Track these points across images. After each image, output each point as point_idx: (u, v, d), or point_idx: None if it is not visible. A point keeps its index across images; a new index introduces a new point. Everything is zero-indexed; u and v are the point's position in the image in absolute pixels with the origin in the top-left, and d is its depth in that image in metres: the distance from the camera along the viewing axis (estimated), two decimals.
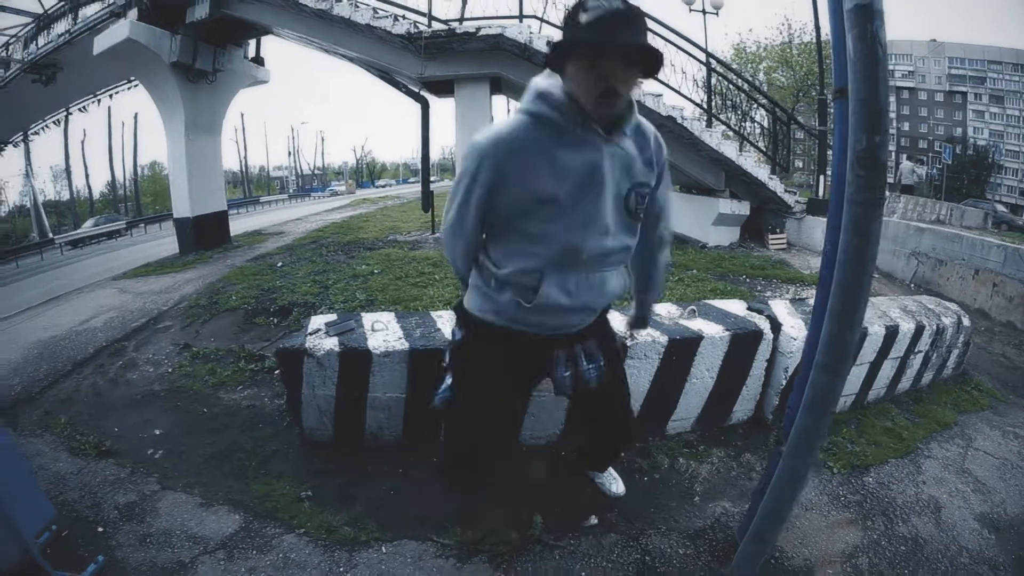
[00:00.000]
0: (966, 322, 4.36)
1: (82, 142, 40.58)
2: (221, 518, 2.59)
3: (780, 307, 3.65)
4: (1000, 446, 3.50)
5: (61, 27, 15.66)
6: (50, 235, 29.00)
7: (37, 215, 33.39)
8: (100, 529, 2.54)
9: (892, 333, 3.61)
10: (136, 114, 44.24)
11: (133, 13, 12.05)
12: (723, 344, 3.12)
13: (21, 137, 26.23)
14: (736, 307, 3.55)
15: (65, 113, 24.67)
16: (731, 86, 10.51)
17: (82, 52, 14.46)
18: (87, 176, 43.14)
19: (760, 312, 3.42)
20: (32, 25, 17.13)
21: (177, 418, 3.64)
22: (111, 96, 20.73)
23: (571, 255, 1.62)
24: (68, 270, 15.36)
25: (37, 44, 16.53)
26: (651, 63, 1.45)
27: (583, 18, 1.36)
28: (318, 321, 3.23)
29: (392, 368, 2.88)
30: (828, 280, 1.61)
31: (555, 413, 3.00)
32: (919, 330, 3.79)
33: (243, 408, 3.72)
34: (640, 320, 2.26)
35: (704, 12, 16.60)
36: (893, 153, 41.31)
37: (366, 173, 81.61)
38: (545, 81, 1.56)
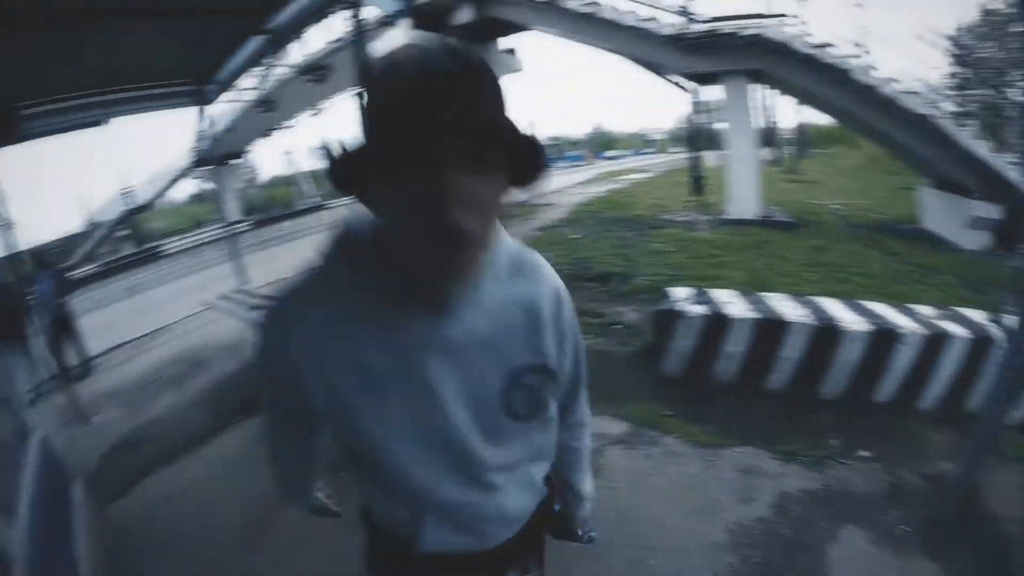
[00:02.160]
0: None
1: None
2: (612, 424, 3.82)
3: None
4: None
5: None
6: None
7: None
8: None
9: None
10: None
11: (404, 21, 14.29)
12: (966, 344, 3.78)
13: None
14: (977, 315, 4.10)
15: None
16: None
17: (349, 54, 17.03)
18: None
19: (997, 323, 3.86)
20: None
21: None
22: None
23: (431, 500, 0.97)
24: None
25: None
26: (523, 159, 0.74)
27: (372, 96, 0.71)
28: (679, 293, 4.53)
29: (742, 331, 4.07)
30: None
31: None
32: None
33: (595, 352, 5.01)
34: (564, 520, 1.36)
35: None
36: None
37: (599, 144, 76.05)
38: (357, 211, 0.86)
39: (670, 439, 3.62)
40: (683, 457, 3.44)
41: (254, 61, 5.46)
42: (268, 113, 23.21)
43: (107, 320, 10.80)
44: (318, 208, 29.90)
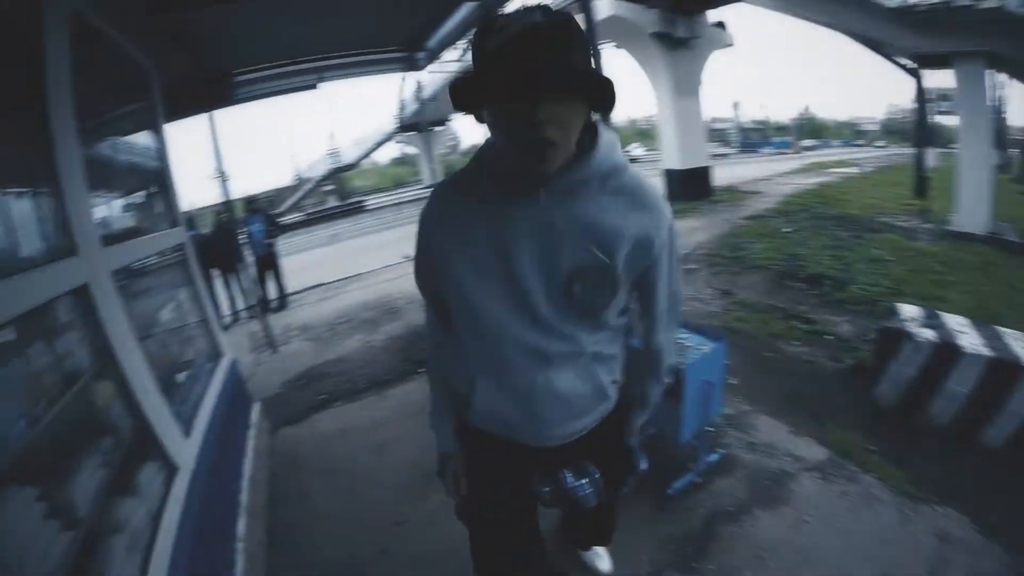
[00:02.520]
0: None
1: None
2: (809, 448, 3.35)
3: None
4: None
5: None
6: None
7: None
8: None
9: None
10: None
11: None
12: None
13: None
14: None
15: None
16: None
17: None
18: None
19: None
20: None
21: (742, 356, 4.56)
22: None
23: (493, 352, 1.24)
24: None
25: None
26: (599, 93, 0.99)
27: (488, 43, 0.95)
28: (908, 311, 3.84)
29: (970, 367, 3.33)
30: None
31: None
32: None
33: (802, 361, 4.54)
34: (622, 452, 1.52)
35: None
36: None
37: (806, 131, 67.04)
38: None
39: (869, 478, 3.07)
40: (879, 503, 2.89)
41: (461, 31, 5.50)
42: None
43: (308, 262, 11.98)
44: None
